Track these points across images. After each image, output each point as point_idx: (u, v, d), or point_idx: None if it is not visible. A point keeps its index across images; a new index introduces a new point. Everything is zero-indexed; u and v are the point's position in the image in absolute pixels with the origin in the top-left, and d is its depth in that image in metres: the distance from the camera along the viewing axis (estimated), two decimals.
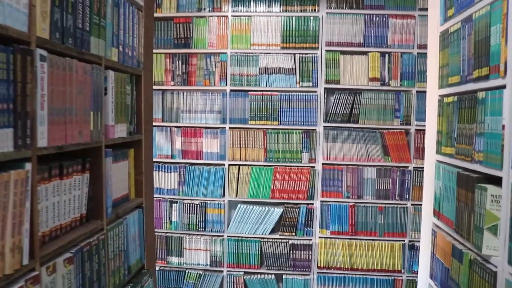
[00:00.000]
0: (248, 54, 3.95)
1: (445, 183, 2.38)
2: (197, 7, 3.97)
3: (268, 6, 3.94)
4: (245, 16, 3.95)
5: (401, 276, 3.91)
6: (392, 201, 3.90)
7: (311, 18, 3.91)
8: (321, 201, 3.95)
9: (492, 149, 1.80)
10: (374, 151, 3.91)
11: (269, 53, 3.94)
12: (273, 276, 3.99)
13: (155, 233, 3.99)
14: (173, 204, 4.04)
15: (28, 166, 1.31)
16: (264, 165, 3.98)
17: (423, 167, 3.76)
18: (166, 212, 4.05)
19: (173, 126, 4.05)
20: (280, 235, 3.97)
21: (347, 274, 3.94)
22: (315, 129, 3.95)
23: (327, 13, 3.88)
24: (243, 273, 4.01)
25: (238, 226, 4.01)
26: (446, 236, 2.35)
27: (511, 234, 1.62)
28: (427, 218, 2.79)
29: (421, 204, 3.74)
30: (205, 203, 4.02)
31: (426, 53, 3.67)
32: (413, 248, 3.88)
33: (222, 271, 4.04)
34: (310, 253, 3.96)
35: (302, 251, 3.96)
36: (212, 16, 3.97)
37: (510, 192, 1.64)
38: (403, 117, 3.88)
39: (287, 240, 3.96)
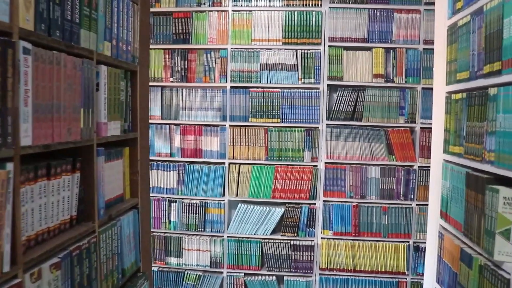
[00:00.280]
0: (249, 50, 3.88)
1: (453, 183, 2.31)
2: (196, 1, 3.91)
3: (270, 1, 3.87)
4: (246, 10, 3.88)
5: (406, 278, 3.84)
6: (396, 201, 3.83)
7: (314, 13, 3.83)
8: (324, 201, 3.88)
9: (505, 149, 1.72)
10: (378, 149, 3.83)
11: (271, 49, 3.87)
12: (274, 277, 3.93)
13: (154, 233, 3.97)
14: (172, 204, 3.98)
15: (10, 166, 1.23)
16: (265, 164, 3.92)
17: (428, 166, 3.72)
18: (165, 212, 3.99)
19: (172, 124, 3.99)
20: (281, 235, 3.91)
21: (350, 276, 3.87)
22: (318, 127, 3.88)
23: (330, 7, 3.80)
24: (243, 274, 3.94)
25: (238, 226, 3.94)
26: (454, 239, 2.27)
27: None
28: (433, 219, 2.71)
29: (426, 205, 3.70)
30: (205, 202, 3.96)
31: (432, 49, 3.64)
32: (418, 250, 3.82)
33: (222, 272, 3.98)
34: (312, 254, 3.89)
35: (304, 252, 3.90)
36: (212, 10, 3.90)
37: None
38: (408, 115, 3.81)
39: (289, 241, 3.90)
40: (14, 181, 1.25)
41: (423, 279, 3.53)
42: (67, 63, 1.55)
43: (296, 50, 3.86)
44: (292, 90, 3.88)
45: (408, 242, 3.83)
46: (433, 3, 3.53)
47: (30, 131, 1.33)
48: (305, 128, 3.88)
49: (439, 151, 2.58)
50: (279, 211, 3.89)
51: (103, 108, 1.89)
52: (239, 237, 3.94)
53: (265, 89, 3.89)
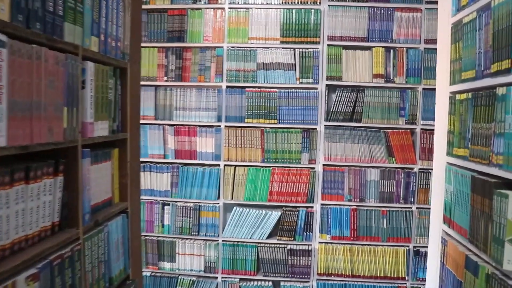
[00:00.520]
0: (246, 49, 3.81)
1: (457, 187, 2.23)
2: None
3: None
4: (243, 8, 3.81)
5: (405, 284, 3.77)
6: (396, 204, 3.76)
7: (312, 11, 3.76)
8: (321, 204, 3.81)
9: None
10: (377, 151, 3.77)
11: (268, 48, 3.80)
12: (270, 283, 3.86)
13: (146, 237, 3.90)
14: (165, 207, 3.91)
15: None
16: (262, 166, 3.85)
17: (429, 169, 3.71)
18: (158, 215, 3.91)
19: (165, 124, 3.90)
20: (278, 240, 3.84)
21: (348, 281, 3.80)
22: (316, 128, 3.81)
23: (329, 5, 3.73)
24: (238, 279, 3.87)
25: (233, 230, 3.86)
26: (458, 245, 2.18)
27: None
28: (436, 224, 2.62)
29: (427, 208, 3.69)
30: (199, 205, 3.88)
31: (433, 49, 3.63)
32: (418, 254, 3.76)
33: (216, 278, 3.91)
34: (310, 259, 3.82)
35: (301, 257, 3.83)
36: (208, 8, 3.83)
37: None
38: (408, 116, 3.74)
39: (285, 245, 3.83)
40: None
41: (423, 284, 3.47)
42: (49, 58, 1.45)
43: (294, 49, 3.79)
44: (289, 90, 3.81)
45: (408, 246, 3.76)
46: (434, 2, 3.49)
47: (4, 131, 1.23)
48: (302, 129, 3.81)
49: (442, 154, 2.50)
50: (275, 215, 3.82)
51: (89, 107, 1.79)
52: (234, 241, 3.86)
53: (261, 89, 3.82)
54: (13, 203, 1.33)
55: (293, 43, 3.78)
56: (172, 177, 3.88)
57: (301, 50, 3.77)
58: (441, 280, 2.42)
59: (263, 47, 3.80)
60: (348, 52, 3.76)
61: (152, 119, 3.90)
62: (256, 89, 3.82)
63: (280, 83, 3.81)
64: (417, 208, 3.74)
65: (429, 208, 3.62)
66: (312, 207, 3.82)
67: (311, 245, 3.83)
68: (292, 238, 3.82)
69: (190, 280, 3.88)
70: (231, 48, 3.81)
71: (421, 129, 3.72)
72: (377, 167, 3.77)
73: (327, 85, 3.79)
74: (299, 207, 3.83)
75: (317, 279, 3.82)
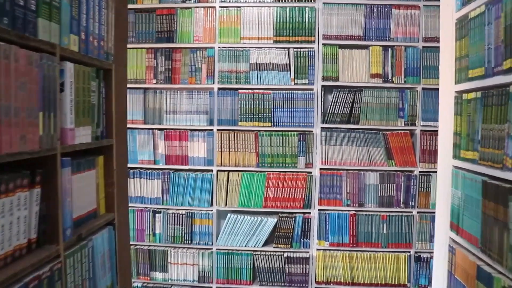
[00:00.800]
0: (238, 49, 3.73)
1: (466, 193, 2.11)
2: None
3: None
4: (234, 7, 3.73)
5: None
6: (396, 208, 3.70)
7: (307, 8, 3.69)
8: (319, 209, 3.73)
9: None
10: (376, 154, 3.70)
11: (261, 48, 3.73)
12: None
13: (137, 246, 3.80)
14: (157, 215, 3.81)
15: None
16: (256, 171, 3.77)
17: (430, 172, 3.67)
18: (149, 223, 3.81)
19: (155, 129, 3.82)
20: (274, 247, 3.76)
21: None
22: (312, 131, 3.74)
23: (324, 3, 3.66)
24: None
25: (228, 238, 3.77)
26: (468, 254, 2.07)
27: None
28: (441, 231, 2.51)
29: (428, 212, 3.64)
30: (192, 213, 3.78)
31: (432, 47, 3.62)
32: (420, 260, 3.69)
33: None
34: (307, 266, 3.74)
35: (299, 265, 3.74)
36: (198, 7, 3.74)
37: None
38: (407, 117, 3.68)
39: (282, 253, 3.75)
40: None
41: None
42: (20, 57, 1.30)
43: (288, 48, 3.72)
44: (284, 91, 3.73)
45: (409, 252, 3.69)
46: None
47: None
48: (298, 132, 3.73)
49: (447, 157, 2.39)
50: (271, 221, 3.73)
51: (69, 112, 1.65)
52: (229, 250, 3.77)
53: (255, 91, 3.74)
54: None
55: (287, 43, 3.71)
56: (163, 184, 3.79)
57: (295, 49, 3.70)
58: None
59: (256, 47, 3.72)
60: (345, 52, 3.69)
61: (141, 123, 3.81)
62: (249, 90, 3.74)
63: (274, 84, 3.73)
64: (418, 212, 3.67)
65: (431, 212, 3.63)
66: (309, 213, 3.75)
67: (308, 252, 3.75)
68: (289, 246, 3.74)
69: None
70: (223, 49, 3.73)
71: (421, 130, 3.66)
72: (376, 171, 3.70)
73: (323, 86, 3.72)
74: (295, 213, 3.75)
75: None
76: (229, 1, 3.73)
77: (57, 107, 1.55)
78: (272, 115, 3.73)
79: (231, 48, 3.72)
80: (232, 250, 3.76)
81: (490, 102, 1.87)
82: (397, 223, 3.66)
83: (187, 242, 3.78)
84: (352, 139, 3.69)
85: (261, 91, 3.73)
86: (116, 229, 2.15)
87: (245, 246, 3.76)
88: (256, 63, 3.72)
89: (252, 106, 3.73)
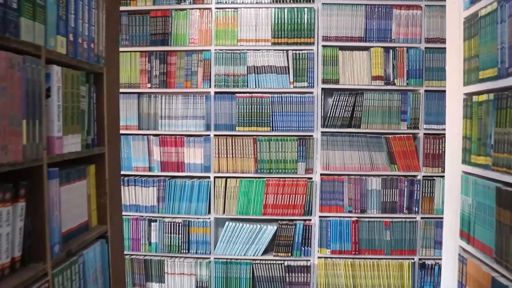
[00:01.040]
0: (235, 51, 3.68)
1: (478, 200, 2.03)
2: None
3: None
4: (231, 8, 3.68)
5: None
6: (399, 214, 3.65)
7: (306, 9, 3.64)
8: (320, 216, 3.67)
9: None
10: (378, 158, 3.65)
11: (259, 50, 3.68)
12: None
13: (132, 256, 3.75)
14: (152, 223, 3.74)
15: None
16: (255, 177, 3.72)
17: (434, 176, 3.61)
18: (144, 233, 3.75)
19: (150, 134, 3.76)
20: (274, 256, 3.71)
21: None
22: (312, 135, 3.69)
23: (323, 4, 3.62)
24: None
25: (226, 246, 3.71)
26: (481, 265, 1.98)
27: None
28: (450, 239, 2.43)
29: (433, 218, 3.58)
30: (188, 221, 3.72)
31: (435, 48, 3.57)
32: (424, 267, 3.62)
33: None
34: (309, 275, 3.68)
35: (300, 274, 3.68)
36: (193, 8, 3.69)
37: None
38: (410, 120, 3.64)
39: (282, 262, 3.69)
40: None
41: None
42: (0, 59, 1.19)
43: (287, 50, 3.67)
44: (283, 95, 3.69)
45: (413, 259, 3.63)
46: None
47: None
48: (298, 136, 3.69)
49: (456, 162, 2.31)
50: (271, 229, 3.67)
51: (56, 119, 1.56)
52: (227, 259, 3.71)
53: (253, 95, 3.69)
54: None
55: (286, 45, 3.67)
56: (159, 191, 3.74)
57: (294, 51, 3.66)
58: None
59: (254, 49, 3.68)
60: (345, 53, 3.65)
61: (136, 129, 3.75)
62: (247, 94, 3.69)
63: (272, 87, 3.68)
64: (422, 218, 3.62)
65: (435, 218, 3.59)
66: (310, 220, 3.69)
67: (309, 260, 3.69)
68: (289, 254, 3.69)
69: None
70: (219, 51, 3.68)
71: (424, 133, 3.62)
72: (379, 176, 3.65)
73: (323, 89, 3.67)
74: (296, 220, 3.70)
75: None
76: (226, 2, 3.68)
77: (43, 114, 1.45)
78: (271, 120, 3.68)
79: (228, 51, 3.68)
80: (231, 259, 3.70)
81: (504, 104, 1.78)
82: (401, 230, 3.61)
83: (184, 251, 3.72)
84: (354, 144, 3.65)
85: (259, 94, 3.68)
86: (109, 242, 2.06)
87: (244, 255, 3.70)
88: (254, 66, 3.68)
89: (250, 111, 3.68)
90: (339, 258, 3.65)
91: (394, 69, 3.61)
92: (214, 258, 3.70)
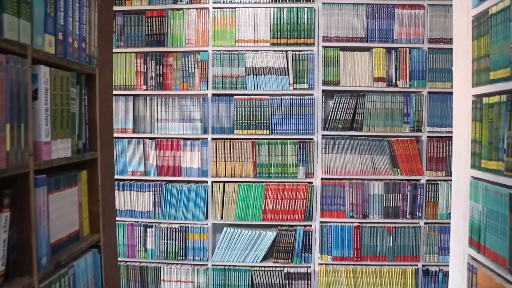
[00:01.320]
0: (233, 52, 3.62)
1: (489, 207, 1.94)
2: None
3: None
4: (229, 8, 3.62)
5: None
6: (402, 220, 3.59)
7: (305, 9, 3.58)
8: (321, 222, 3.61)
9: None
10: (380, 162, 3.59)
11: (257, 51, 3.61)
12: None
13: (128, 263, 3.67)
14: (148, 229, 3.67)
15: None
16: (254, 182, 3.66)
17: (437, 180, 3.53)
18: (140, 239, 3.67)
19: (146, 138, 3.70)
20: (273, 262, 3.65)
21: None
22: (312, 139, 3.63)
23: (323, 3, 3.56)
24: None
25: (224, 253, 3.64)
26: (493, 276, 1.89)
27: None
28: (458, 247, 2.34)
29: (436, 223, 3.52)
30: (185, 227, 3.66)
31: (438, 48, 3.51)
32: (428, 274, 3.55)
33: None
34: (309, 282, 3.61)
35: (300, 281, 3.61)
36: (190, 8, 3.63)
37: None
38: (413, 123, 3.57)
39: (282, 268, 3.63)
40: None
41: None
42: None
43: (287, 51, 3.62)
44: (282, 97, 3.63)
45: (417, 265, 3.57)
46: None
47: None
48: (298, 140, 3.63)
49: (464, 166, 2.22)
50: (270, 235, 3.61)
51: (44, 123, 1.47)
52: (225, 266, 3.65)
53: (251, 97, 3.63)
54: None
55: (285, 45, 3.61)
56: (155, 196, 3.67)
57: (294, 52, 3.60)
58: None
59: (252, 50, 3.62)
60: (346, 54, 3.59)
61: (131, 132, 3.69)
62: (246, 96, 3.63)
63: (271, 89, 3.62)
64: (425, 223, 3.56)
65: (439, 223, 3.52)
66: (310, 225, 3.63)
67: (310, 267, 3.63)
68: (289, 260, 3.63)
69: None
70: (217, 52, 3.62)
71: (428, 136, 3.56)
72: (381, 180, 3.60)
73: (323, 91, 3.61)
74: (296, 226, 3.64)
75: None
76: (223, 2, 3.62)
77: (29, 117, 1.36)
78: (270, 122, 3.63)
79: (226, 52, 3.62)
80: (229, 266, 3.64)
81: None
82: (404, 235, 3.56)
83: (181, 258, 3.66)
84: (355, 147, 3.59)
85: (258, 96, 3.63)
86: (102, 251, 1.97)
87: (242, 261, 3.64)
88: (253, 67, 3.62)
89: (248, 113, 3.62)
90: (341, 264, 3.59)
91: (397, 70, 3.56)
92: (212, 265, 3.64)
